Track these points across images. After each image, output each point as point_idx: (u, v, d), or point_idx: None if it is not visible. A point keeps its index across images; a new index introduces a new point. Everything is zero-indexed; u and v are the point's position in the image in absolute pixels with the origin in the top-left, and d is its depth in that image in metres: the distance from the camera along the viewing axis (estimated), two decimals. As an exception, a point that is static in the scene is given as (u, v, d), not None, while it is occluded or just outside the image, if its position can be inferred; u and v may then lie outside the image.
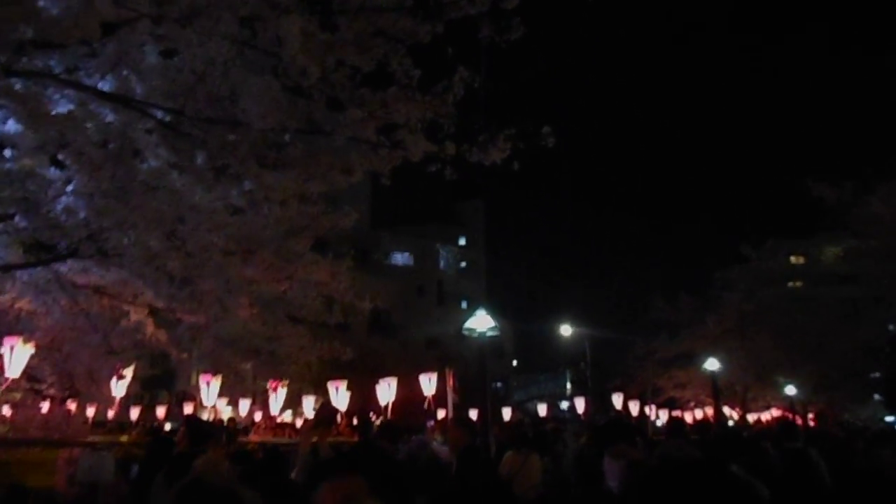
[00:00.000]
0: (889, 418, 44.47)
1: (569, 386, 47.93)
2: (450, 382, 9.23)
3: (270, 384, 12.41)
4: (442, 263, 51.91)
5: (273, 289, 8.20)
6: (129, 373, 10.26)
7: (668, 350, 19.61)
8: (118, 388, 10.84)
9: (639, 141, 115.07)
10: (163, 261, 6.54)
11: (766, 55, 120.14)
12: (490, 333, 7.87)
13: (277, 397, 12.83)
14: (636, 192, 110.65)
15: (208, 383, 13.21)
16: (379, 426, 5.40)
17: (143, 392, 25.57)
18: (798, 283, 44.49)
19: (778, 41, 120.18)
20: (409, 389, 12.81)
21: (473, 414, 10.80)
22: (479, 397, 7.61)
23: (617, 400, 17.64)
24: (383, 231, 46.16)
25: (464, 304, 54.29)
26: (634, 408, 17.80)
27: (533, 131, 5.82)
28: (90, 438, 7.83)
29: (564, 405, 43.23)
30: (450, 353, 34.14)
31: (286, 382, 12.35)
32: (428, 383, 11.16)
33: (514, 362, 66.72)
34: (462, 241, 61.37)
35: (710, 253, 72.49)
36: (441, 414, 12.04)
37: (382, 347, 27.91)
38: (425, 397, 11.19)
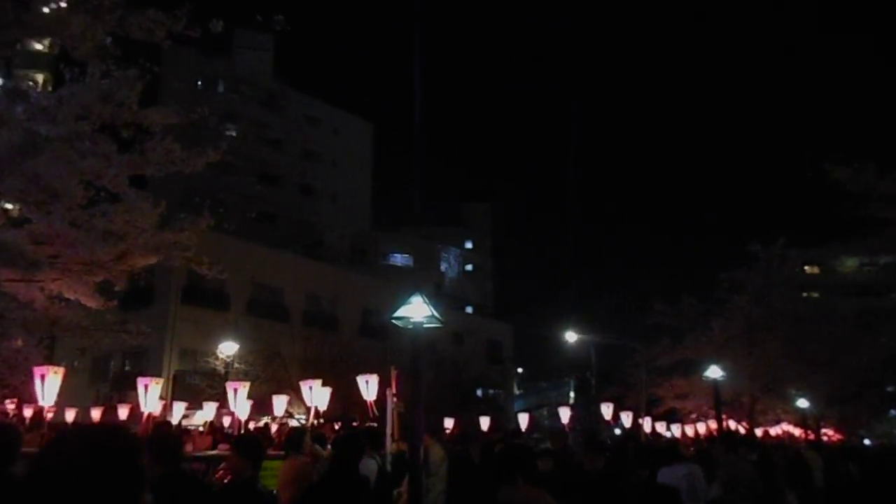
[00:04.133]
0: (905, 434, 42.57)
1: (572, 395, 46.44)
2: (392, 386, 7.91)
3: (230, 385, 11.12)
4: (443, 266, 50.74)
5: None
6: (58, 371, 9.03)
7: (670, 356, 18.25)
8: (47, 389, 9.64)
9: (644, 138, 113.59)
10: None
11: (771, 45, 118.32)
12: (428, 324, 6.55)
13: (237, 400, 11.33)
14: (642, 192, 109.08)
15: (236, 391, 11.86)
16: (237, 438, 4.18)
17: (111, 392, 24.58)
18: (814, 294, 42.99)
19: (782, 29, 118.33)
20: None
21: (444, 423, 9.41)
22: (415, 403, 6.30)
23: (607, 411, 16.34)
24: (383, 231, 45.17)
25: (469, 309, 53.16)
26: (627, 419, 16.49)
27: None
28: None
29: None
30: (444, 356, 32.95)
31: (247, 384, 11.12)
32: (366, 386, 9.77)
33: (520, 370, 65.46)
34: (468, 245, 60.27)
35: (716, 252, 70.62)
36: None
37: (369, 349, 26.76)
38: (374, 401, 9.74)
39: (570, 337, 36.74)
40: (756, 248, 16.93)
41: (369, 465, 5.77)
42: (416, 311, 6.97)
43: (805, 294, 33.77)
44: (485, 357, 37.78)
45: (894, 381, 24.40)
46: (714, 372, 12.76)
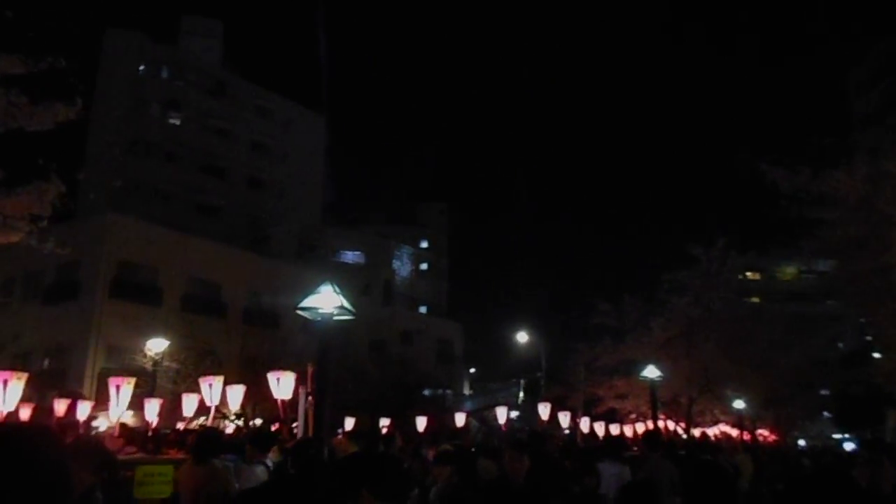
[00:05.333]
0: (837, 436, 44.30)
1: (521, 395, 46.46)
2: (308, 383, 7.33)
3: (112, 381, 10.21)
4: (396, 264, 50.05)
5: None
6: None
7: (611, 357, 18.20)
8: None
9: (594, 142, 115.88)
10: None
11: (714, 47, 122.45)
12: (339, 316, 6.00)
13: (119, 399, 10.39)
14: (592, 194, 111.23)
15: (118, 388, 10.95)
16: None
17: (30, 392, 22.95)
18: (754, 299, 44.36)
19: (724, 34, 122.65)
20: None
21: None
22: (321, 400, 5.76)
23: (544, 411, 16.15)
24: (334, 227, 44.19)
25: (423, 309, 52.59)
26: (565, 419, 16.36)
27: None
28: None
29: (514, 415, 41.86)
30: (393, 355, 32.35)
31: (132, 380, 10.22)
32: (277, 384, 9.11)
33: (472, 370, 65.25)
34: (424, 244, 59.71)
35: (661, 253, 72.46)
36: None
37: (309, 347, 25.88)
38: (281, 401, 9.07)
39: (521, 338, 36.66)
40: (697, 249, 17.05)
41: (256, 472, 5.16)
42: (326, 301, 6.45)
43: (746, 299, 34.62)
44: (434, 357, 37.33)
45: (826, 383, 25.13)
46: (651, 372, 12.62)
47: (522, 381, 45.95)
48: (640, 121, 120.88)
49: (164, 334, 20.95)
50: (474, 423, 36.22)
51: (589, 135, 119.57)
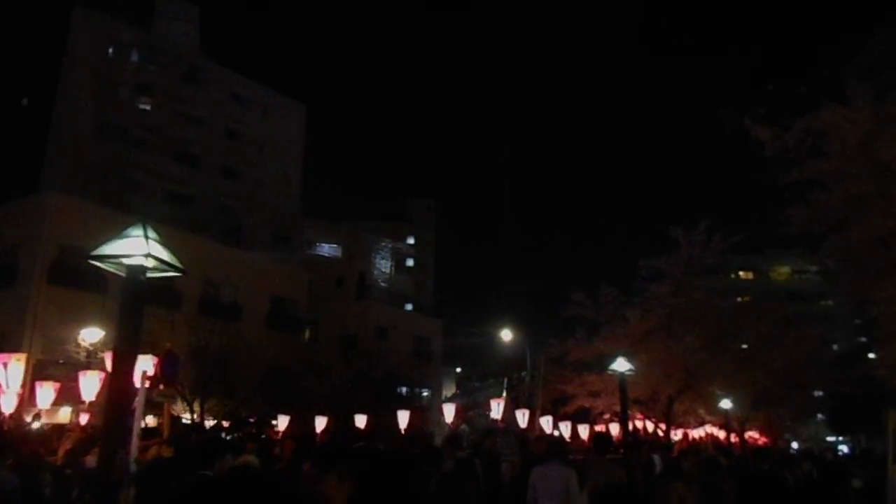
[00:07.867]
0: (830, 438, 42.82)
1: (504, 394, 44.92)
2: (153, 367, 5.76)
3: None
4: (377, 258, 48.41)
5: None
6: None
7: (583, 351, 16.60)
8: None
9: (582, 131, 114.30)
10: None
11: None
12: (160, 272, 4.34)
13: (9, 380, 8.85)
14: (580, 191, 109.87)
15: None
16: None
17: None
18: (746, 298, 43.16)
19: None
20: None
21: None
22: (122, 391, 4.11)
23: (496, 408, 14.65)
24: (308, 219, 42.50)
25: (408, 307, 50.98)
26: (523, 418, 14.81)
27: None
28: None
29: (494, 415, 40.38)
30: (366, 352, 30.72)
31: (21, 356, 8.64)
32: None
33: (458, 369, 63.65)
34: (410, 241, 58.15)
35: (641, 240, 70.79)
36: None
37: (273, 340, 24.26)
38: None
39: (506, 336, 35.12)
40: (677, 233, 15.45)
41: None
42: (133, 248, 4.80)
43: (739, 299, 33.12)
44: (411, 354, 35.67)
45: (820, 384, 23.62)
46: (621, 365, 11.04)
47: (505, 380, 44.46)
48: (618, 102, 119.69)
49: (104, 324, 19.27)
50: (463, 425, 34.58)
51: (568, 120, 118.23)
